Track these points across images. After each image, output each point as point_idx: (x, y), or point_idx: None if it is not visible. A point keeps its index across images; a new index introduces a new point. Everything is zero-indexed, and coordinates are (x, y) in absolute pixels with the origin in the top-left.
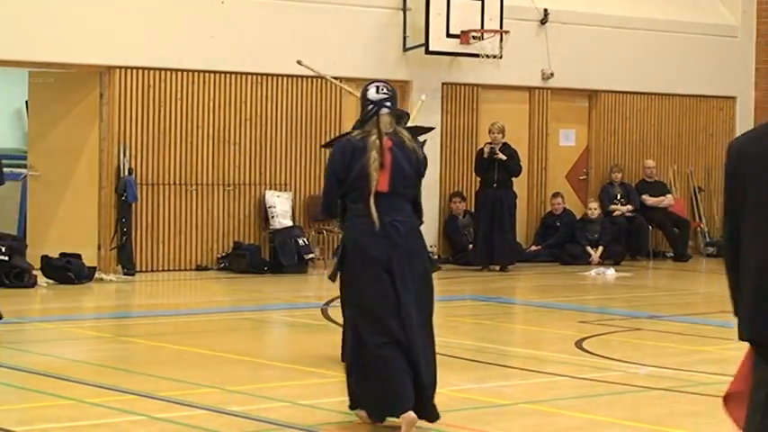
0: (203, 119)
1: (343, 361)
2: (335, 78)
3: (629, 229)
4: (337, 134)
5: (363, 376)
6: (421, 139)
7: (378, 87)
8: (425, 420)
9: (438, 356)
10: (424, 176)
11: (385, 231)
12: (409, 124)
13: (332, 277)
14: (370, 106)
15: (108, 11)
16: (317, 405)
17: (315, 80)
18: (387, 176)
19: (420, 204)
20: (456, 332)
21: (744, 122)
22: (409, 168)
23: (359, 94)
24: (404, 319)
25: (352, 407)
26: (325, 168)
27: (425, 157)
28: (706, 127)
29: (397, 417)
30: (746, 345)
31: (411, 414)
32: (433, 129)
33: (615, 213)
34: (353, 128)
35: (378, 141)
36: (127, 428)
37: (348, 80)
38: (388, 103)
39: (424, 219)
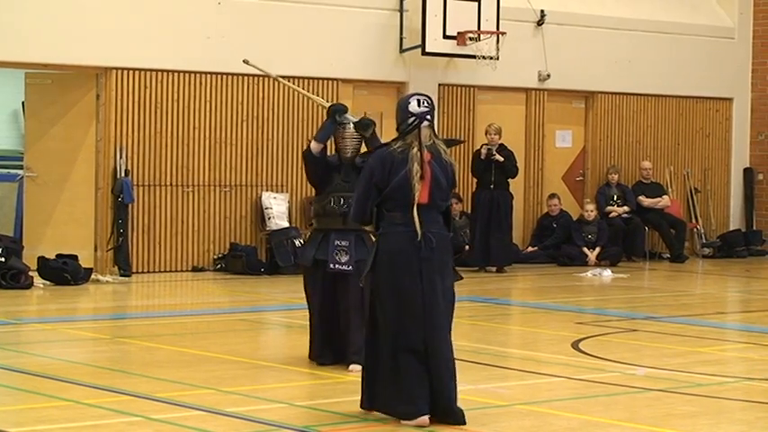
0: (200, 120)
1: (311, 359)
2: (284, 78)
3: (626, 230)
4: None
5: (381, 377)
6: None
7: (419, 101)
8: (453, 424)
9: None
10: (455, 188)
11: (419, 243)
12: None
13: (362, 282)
14: (412, 119)
15: (104, 12)
16: (314, 406)
17: (311, 82)
18: (426, 189)
19: (450, 216)
20: (453, 333)
21: (740, 124)
22: (445, 181)
23: (314, 97)
24: (432, 329)
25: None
26: (360, 176)
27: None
28: (703, 128)
29: (411, 420)
30: (743, 347)
31: (425, 419)
32: (463, 141)
33: (611, 215)
34: (394, 139)
35: (419, 154)
36: (123, 430)
37: (345, 81)
38: (429, 116)
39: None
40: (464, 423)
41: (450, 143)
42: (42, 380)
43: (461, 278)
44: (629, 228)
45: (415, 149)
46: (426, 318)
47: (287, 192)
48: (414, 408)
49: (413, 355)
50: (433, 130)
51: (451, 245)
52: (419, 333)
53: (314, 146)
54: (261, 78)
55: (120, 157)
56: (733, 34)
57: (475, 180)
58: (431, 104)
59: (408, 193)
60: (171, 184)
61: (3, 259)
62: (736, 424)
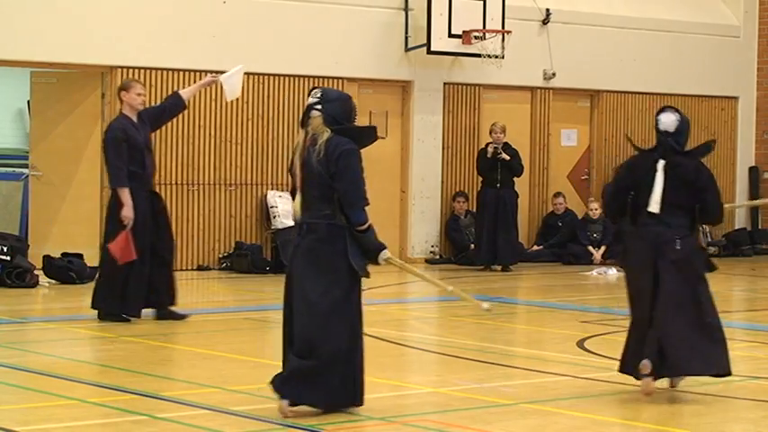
0: (205, 119)
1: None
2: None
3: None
4: None
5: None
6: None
7: (312, 92)
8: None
9: (440, 356)
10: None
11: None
12: None
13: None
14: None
15: (110, 11)
16: None
17: (316, 80)
18: (301, 175)
19: (344, 204)
20: (458, 332)
21: (746, 123)
22: (320, 167)
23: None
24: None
25: None
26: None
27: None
28: (708, 127)
29: None
30: (749, 346)
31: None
32: (372, 128)
33: None
34: None
35: (302, 142)
36: (129, 428)
37: (350, 80)
38: (318, 106)
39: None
40: (281, 395)
41: (361, 133)
42: (48, 378)
43: (362, 275)
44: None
45: (301, 138)
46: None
47: None
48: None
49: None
50: (328, 119)
51: (340, 234)
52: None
53: None
54: (266, 77)
55: None
56: (738, 33)
57: (480, 178)
58: (322, 96)
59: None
60: (176, 183)
61: (8, 258)
62: (742, 423)
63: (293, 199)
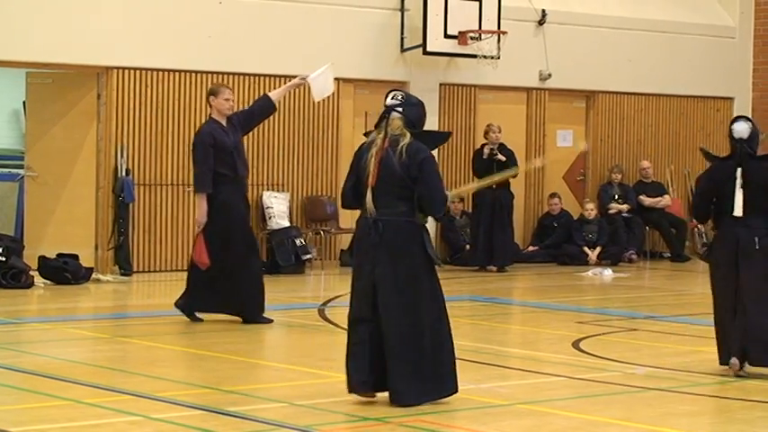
0: (200, 119)
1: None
2: None
3: (627, 228)
4: (335, 135)
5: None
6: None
7: (393, 95)
8: (393, 403)
9: None
10: (425, 178)
11: (369, 227)
12: None
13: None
14: (384, 110)
15: (105, 12)
16: (314, 405)
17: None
18: (376, 172)
19: (422, 203)
20: (453, 333)
21: None
22: (399, 168)
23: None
24: (381, 311)
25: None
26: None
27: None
28: (703, 127)
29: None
30: None
31: (367, 393)
32: (449, 133)
33: (611, 211)
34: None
35: (380, 140)
36: (124, 429)
37: (346, 80)
38: (399, 108)
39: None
40: (400, 404)
41: (434, 138)
42: (42, 379)
43: (439, 264)
44: (630, 227)
45: (381, 136)
46: (375, 299)
47: (287, 191)
48: (347, 378)
49: (356, 330)
50: (407, 122)
51: (417, 230)
52: (364, 312)
53: None
54: (261, 78)
55: (121, 157)
56: (734, 34)
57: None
58: (404, 99)
59: (367, 177)
60: (172, 183)
61: (3, 258)
62: (736, 423)
63: (352, 196)
